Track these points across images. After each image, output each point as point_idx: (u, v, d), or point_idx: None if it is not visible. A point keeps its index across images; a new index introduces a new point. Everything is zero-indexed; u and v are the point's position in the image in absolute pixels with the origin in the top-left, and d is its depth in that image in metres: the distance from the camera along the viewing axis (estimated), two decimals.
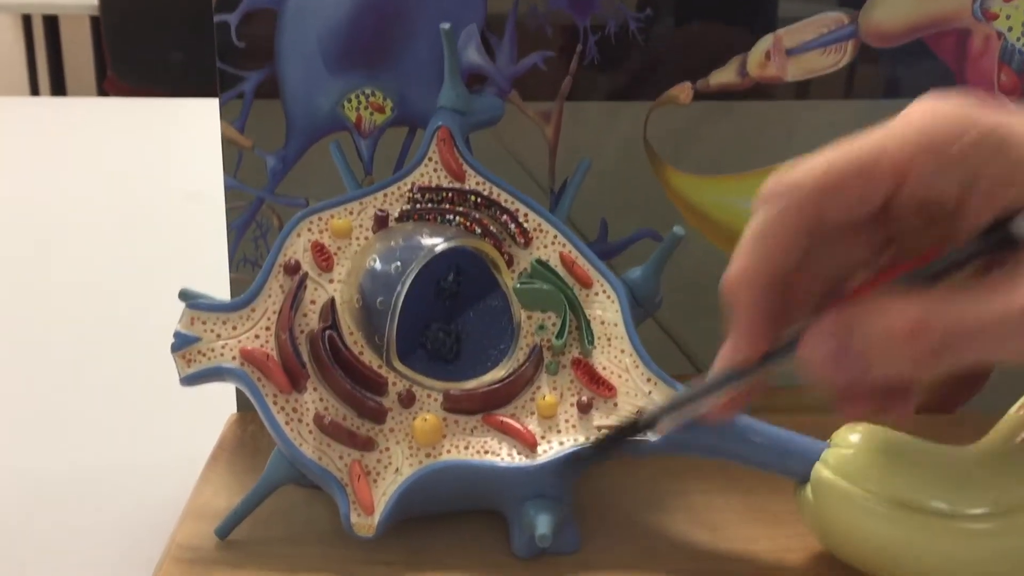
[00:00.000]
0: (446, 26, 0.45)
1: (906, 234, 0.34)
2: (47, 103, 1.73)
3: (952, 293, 0.30)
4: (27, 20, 2.58)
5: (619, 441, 0.39)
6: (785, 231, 0.33)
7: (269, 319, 0.42)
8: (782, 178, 0.33)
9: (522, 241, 0.44)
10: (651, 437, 0.39)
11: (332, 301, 0.43)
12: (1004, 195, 0.31)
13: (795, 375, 0.33)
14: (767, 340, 0.34)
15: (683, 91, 0.49)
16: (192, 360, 0.41)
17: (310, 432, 0.40)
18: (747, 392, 0.36)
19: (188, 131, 1.14)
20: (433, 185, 0.45)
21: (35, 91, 2.58)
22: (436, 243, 0.42)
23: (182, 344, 0.41)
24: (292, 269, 0.43)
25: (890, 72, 0.49)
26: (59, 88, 2.56)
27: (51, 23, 2.55)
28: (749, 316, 0.34)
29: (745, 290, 0.34)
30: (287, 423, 0.40)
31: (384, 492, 0.40)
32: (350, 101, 0.49)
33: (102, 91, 2.37)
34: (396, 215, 0.44)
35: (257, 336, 0.42)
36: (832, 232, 0.33)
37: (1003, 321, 0.29)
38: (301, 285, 0.42)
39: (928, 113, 0.32)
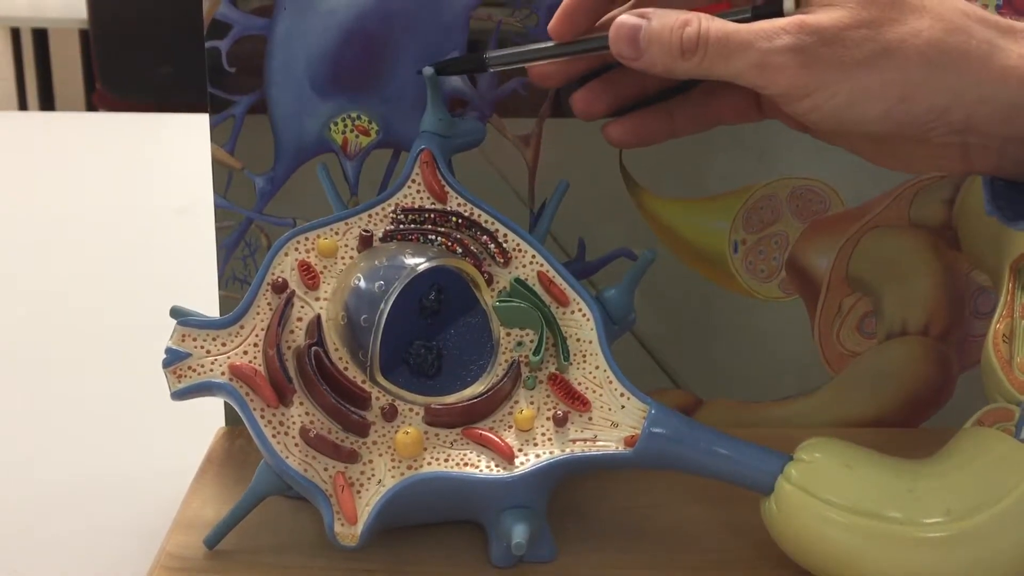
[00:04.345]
0: (429, 71, 0.47)
1: None
2: (35, 117, 1.74)
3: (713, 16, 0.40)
4: (16, 34, 2.59)
5: (458, 66, 0.47)
6: None
7: (257, 336, 0.43)
8: None
9: (501, 261, 0.46)
10: (488, 68, 0.46)
11: (318, 318, 0.44)
12: None
13: None
14: (581, 27, 0.43)
15: None
16: (183, 375, 0.43)
17: (296, 445, 0.42)
18: (564, 69, 0.45)
19: (177, 146, 1.15)
20: (416, 206, 0.47)
21: (23, 105, 2.58)
22: (418, 262, 0.43)
23: (173, 360, 0.43)
24: (280, 287, 0.44)
25: None
26: (47, 102, 2.57)
27: (40, 37, 2.56)
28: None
29: None
30: (274, 436, 0.42)
31: (367, 503, 0.41)
32: (336, 124, 0.51)
33: (91, 105, 2.38)
34: (380, 235, 0.46)
35: (245, 352, 0.43)
36: None
37: (751, 36, 0.38)
38: (288, 303, 0.44)
39: None
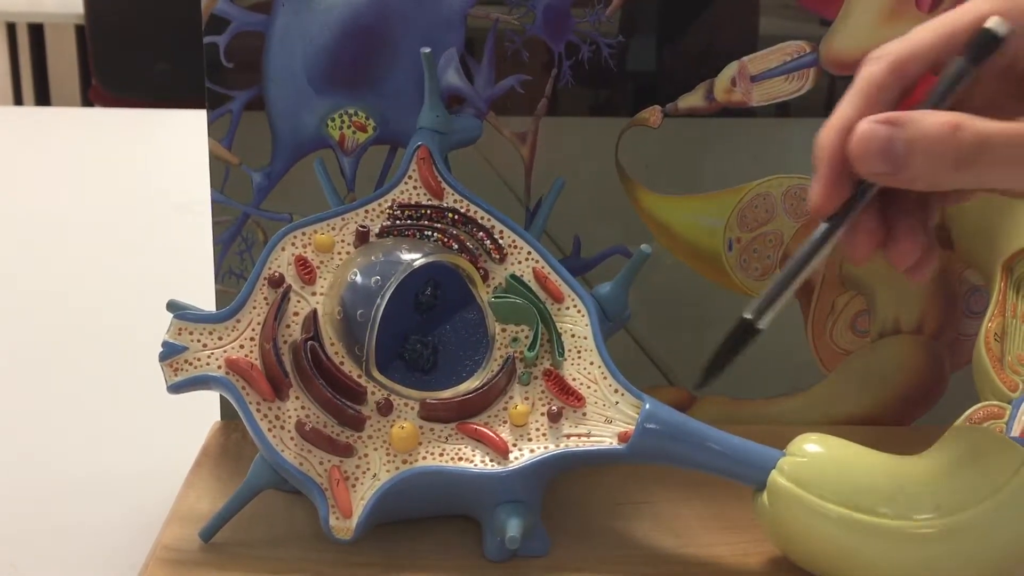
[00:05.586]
0: (427, 50, 0.47)
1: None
2: (31, 112, 1.74)
3: (979, 116, 0.33)
4: (11, 29, 2.58)
5: (734, 349, 0.38)
6: (878, 86, 0.35)
7: (254, 330, 0.44)
8: (882, 47, 0.36)
9: (497, 257, 0.46)
10: (762, 327, 0.37)
11: (314, 313, 0.44)
12: None
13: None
14: (847, 188, 0.36)
15: (653, 114, 0.51)
16: (179, 369, 0.43)
17: (292, 439, 0.42)
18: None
19: (173, 142, 1.15)
20: (412, 202, 0.47)
21: (19, 100, 2.58)
22: (415, 258, 0.44)
23: (169, 353, 0.43)
24: (276, 282, 0.45)
25: None
26: (43, 97, 2.56)
27: (36, 32, 2.55)
28: (833, 162, 0.35)
29: (834, 134, 0.35)
30: (270, 430, 0.42)
31: (362, 496, 0.41)
32: (334, 120, 0.51)
33: (86, 101, 2.38)
34: (377, 231, 0.46)
35: (242, 346, 0.43)
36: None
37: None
38: (285, 297, 0.44)
39: None
